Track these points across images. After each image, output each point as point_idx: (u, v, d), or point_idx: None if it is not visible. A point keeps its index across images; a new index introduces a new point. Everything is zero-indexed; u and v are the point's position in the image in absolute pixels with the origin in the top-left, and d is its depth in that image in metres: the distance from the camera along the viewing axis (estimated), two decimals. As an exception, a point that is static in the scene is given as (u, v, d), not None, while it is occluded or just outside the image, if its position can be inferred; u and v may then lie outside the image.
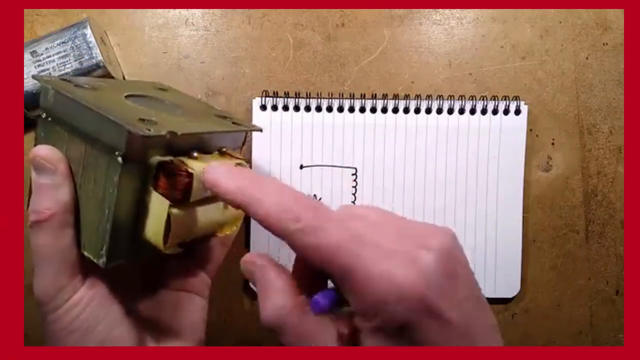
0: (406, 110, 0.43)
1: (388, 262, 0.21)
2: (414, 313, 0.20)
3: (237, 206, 0.25)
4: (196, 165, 0.26)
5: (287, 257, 0.44)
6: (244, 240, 0.43)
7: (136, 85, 0.35)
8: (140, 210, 0.26)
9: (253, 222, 0.43)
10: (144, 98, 0.32)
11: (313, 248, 0.22)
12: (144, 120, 0.25)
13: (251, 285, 0.25)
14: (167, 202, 0.26)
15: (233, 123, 0.34)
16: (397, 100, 0.43)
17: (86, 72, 0.39)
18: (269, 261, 0.26)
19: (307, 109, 0.43)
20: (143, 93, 0.33)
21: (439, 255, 0.21)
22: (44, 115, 0.27)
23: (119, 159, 0.24)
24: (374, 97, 0.43)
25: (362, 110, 0.43)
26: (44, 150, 0.26)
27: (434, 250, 0.22)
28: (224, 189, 0.25)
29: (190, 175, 0.26)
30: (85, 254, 0.26)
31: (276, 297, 0.24)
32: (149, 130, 0.24)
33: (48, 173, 0.25)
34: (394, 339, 0.21)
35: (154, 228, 0.26)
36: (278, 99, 0.43)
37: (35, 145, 0.27)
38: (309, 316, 0.24)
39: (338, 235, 0.22)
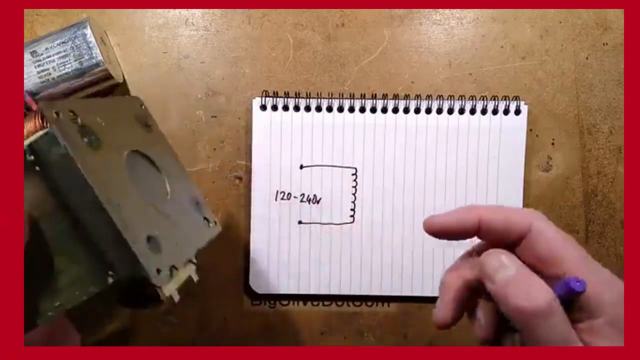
0: (406, 110, 0.43)
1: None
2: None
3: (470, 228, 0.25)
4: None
5: (287, 251, 0.44)
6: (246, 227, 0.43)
7: (118, 111, 0.32)
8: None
9: (253, 208, 0.43)
10: (143, 164, 0.30)
11: (546, 243, 0.24)
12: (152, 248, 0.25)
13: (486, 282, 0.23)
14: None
15: (204, 218, 0.33)
16: (397, 100, 0.43)
17: (86, 72, 0.39)
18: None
19: (307, 109, 0.43)
20: (136, 145, 0.30)
21: None
22: (30, 158, 0.24)
23: (110, 279, 0.24)
24: (374, 97, 0.43)
25: (362, 110, 0.43)
26: None
27: None
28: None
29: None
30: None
31: (544, 285, 0.23)
32: (161, 292, 0.24)
33: None
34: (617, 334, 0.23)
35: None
36: (278, 99, 0.43)
37: None
38: (565, 316, 0.23)
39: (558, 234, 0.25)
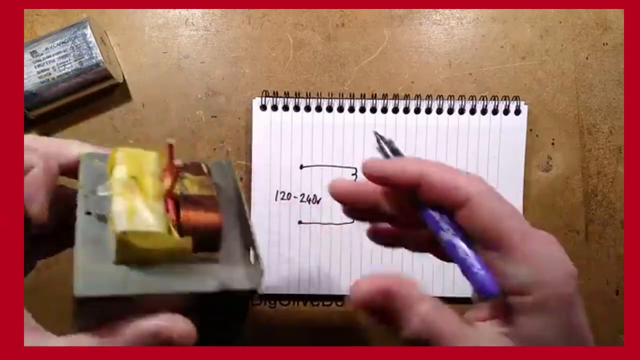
0: (406, 110, 0.43)
1: (548, 240, 0.23)
2: (575, 290, 0.22)
3: (409, 181, 0.24)
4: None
5: (287, 251, 0.44)
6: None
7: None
8: None
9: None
10: None
11: (486, 214, 0.22)
12: None
13: (371, 318, 0.23)
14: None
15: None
16: (397, 100, 0.43)
17: (86, 71, 0.39)
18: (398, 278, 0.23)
19: (307, 109, 0.43)
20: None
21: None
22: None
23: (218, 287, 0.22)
24: (374, 97, 0.43)
25: (362, 110, 0.43)
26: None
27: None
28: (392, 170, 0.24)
29: None
30: None
31: (424, 304, 0.22)
32: None
33: None
34: (555, 314, 0.22)
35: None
36: (278, 99, 0.43)
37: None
38: (455, 324, 0.22)
39: (502, 206, 0.23)
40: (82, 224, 0.24)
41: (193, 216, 0.24)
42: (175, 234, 0.23)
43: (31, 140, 0.27)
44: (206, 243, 0.24)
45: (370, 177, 0.25)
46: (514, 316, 0.22)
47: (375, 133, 0.27)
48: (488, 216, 0.22)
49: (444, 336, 0.21)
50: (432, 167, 0.23)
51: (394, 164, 0.24)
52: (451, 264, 0.24)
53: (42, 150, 0.26)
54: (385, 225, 0.29)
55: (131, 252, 0.22)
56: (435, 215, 0.24)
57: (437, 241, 0.24)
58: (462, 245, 0.23)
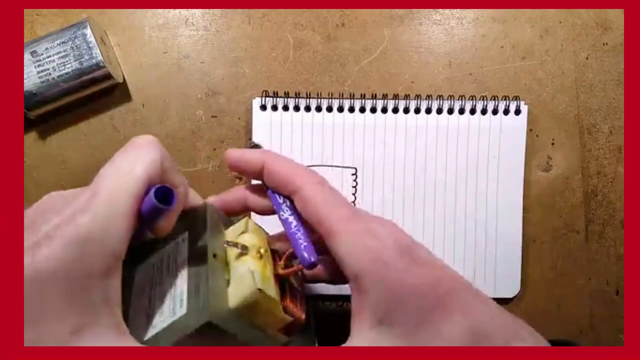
0: (406, 110, 0.43)
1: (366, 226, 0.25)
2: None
3: (254, 169, 0.27)
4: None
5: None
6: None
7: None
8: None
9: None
10: None
11: (311, 203, 0.25)
12: None
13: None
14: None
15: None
16: (397, 100, 0.43)
17: (86, 71, 0.39)
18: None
19: (307, 109, 0.43)
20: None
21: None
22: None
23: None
24: (374, 97, 0.43)
25: (362, 110, 0.43)
26: None
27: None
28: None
29: None
30: None
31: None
32: None
33: None
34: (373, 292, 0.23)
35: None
36: (278, 99, 0.43)
37: None
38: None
39: (326, 197, 0.26)
40: (211, 263, 0.25)
41: (291, 305, 0.26)
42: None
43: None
44: (288, 331, 0.26)
45: (229, 162, 0.28)
46: (357, 296, 0.24)
47: (249, 139, 0.32)
48: (312, 205, 0.25)
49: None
50: (271, 158, 0.27)
51: (245, 152, 0.28)
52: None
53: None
54: None
55: (253, 309, 0.24)
56: (279, 198, 0.27)
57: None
58: (294, 222, 0.26)
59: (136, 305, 0.25)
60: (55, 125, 0.43)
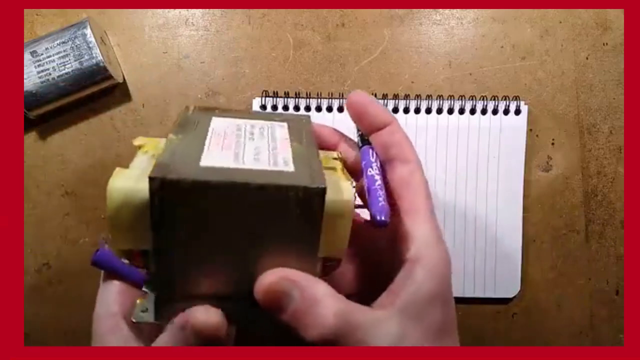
0: (406, 110, 0.43)
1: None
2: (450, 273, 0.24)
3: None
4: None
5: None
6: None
7: None
8: None
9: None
10: None
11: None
12: None
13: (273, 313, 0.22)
14: None
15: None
16: (397, 100, 0.43)
17: (86, 72, 0.39)
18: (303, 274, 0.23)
19: (307, 109, 0.43)
20: None
21: None
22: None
23: None
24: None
25: (362, 110, 0.43)
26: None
27: None
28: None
29: None
30: None
31: (332, 302, 0.22)
32: None
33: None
34: (435, 284, 0.23)
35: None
36: (278, 99, 0.43)
37: None
38: (368, 312, 0.22)
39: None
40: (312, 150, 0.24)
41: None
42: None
43: None
44: (326, 269, 0.24)
45: (354, 104, 0.27)
46: (404, 289, 0.23)
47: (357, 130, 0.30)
48: (412, 180, 0.25)
49: (359, 326, 0.21)
50: (397, 123, 0.28)
51: (373, 101, 0.27)
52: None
53: None
54: None
55: (339, 219, 0.22)
56: (372, 155, 0.27)
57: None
58: (378, 181, 0.25)
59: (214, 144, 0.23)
60: (55, 125, 0.43)
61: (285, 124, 0.26)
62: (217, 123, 0.25)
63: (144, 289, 0.24)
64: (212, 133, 0.24)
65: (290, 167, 0.21)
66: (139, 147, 0.25)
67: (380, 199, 0.24)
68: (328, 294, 0.22)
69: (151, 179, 0.19)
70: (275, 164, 0.21)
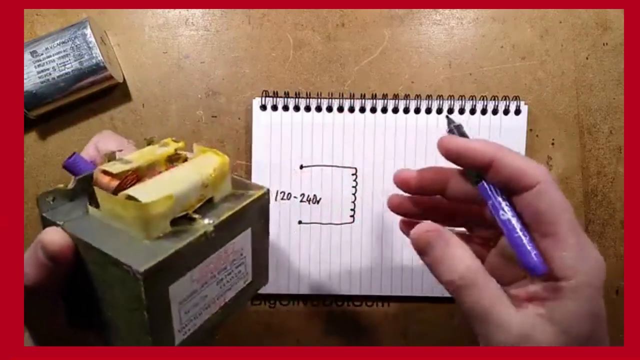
0: (406, 110, 0.43)
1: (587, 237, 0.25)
2: (603, 283, 0.24)
3: (483, 161, 0.26)
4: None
5: (287, 250, 0.44)
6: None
7: None
8: None
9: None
10: None
11: (548, 201, 0.24)
12: None
13: (420, 257, 0.26)
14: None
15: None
16: (397, 100, 0.43)
17: (86, 72, 0.39)
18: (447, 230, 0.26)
19: (307, 109, 0.43)
20: None
21: None
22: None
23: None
24: (374, 97, 0.43)
25: (362, 110, 0.43)
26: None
27: None
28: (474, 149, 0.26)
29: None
30: None
31: (466, 256, 0.25)
32: None
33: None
34: (587, 300, 0.24)
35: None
36: (278, 99, 0.43)
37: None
38: (492, 282, 0.24)
39: (561, 198, 0.25)
40: None
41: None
42: None
43: None
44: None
45: (447, 151, 0.27)
46: (550, 300, 0.24)
47: (447, 117, 0.30)
48: (548, 204, 0.24)
49: (483, 295, 0.24)
50: (506, 150, 0.26)
51: (471, 142, 0.27)
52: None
53: None
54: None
55: None
56: (497, 196, 0.26)
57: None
58: (518, 225, 0.25)
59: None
60: (55, 125, 0.43)
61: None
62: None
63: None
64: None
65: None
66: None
67: (529, 247, 0.24)
68: (465, 248, 0.25)
69: None
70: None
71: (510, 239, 0.25)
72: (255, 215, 0.29)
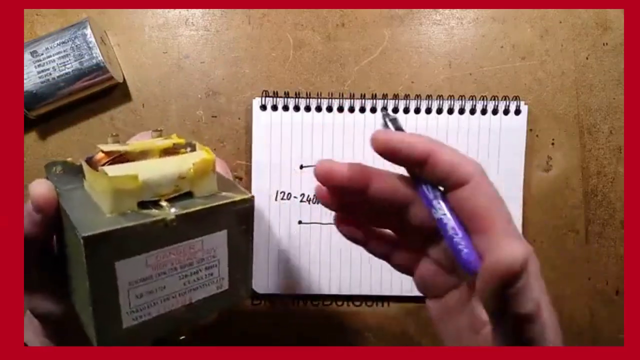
0: (406, 110, 0.43)
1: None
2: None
3: (417, 157, 0.24)
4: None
5: (287, 250, 0.44)
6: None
7: None
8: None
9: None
10: None
11: (482, 196, 0.24)
12: None
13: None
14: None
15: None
16: (397, 100, 0.43)
17: (86, 72, 0.39)
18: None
19: (307, 109, 0.43)
20: None
21: None
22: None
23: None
24: (374, 97, 0.43)
25: (362, 110, 0.43)
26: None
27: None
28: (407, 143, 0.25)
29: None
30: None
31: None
32: None
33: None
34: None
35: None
36: (278, 99, 0.43)
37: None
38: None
39: (495, 192, 0.24)
40: None
41: None
42: None
43: None
44: None
45: (380, 147, 0.25)
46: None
47: (382, 109, 0.28)
48: (483, 198, 0.23)
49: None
50: (440, 144, 0.24)
51: (405, 137, 0.25)
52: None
53: None
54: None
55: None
56: (430, 192, 0.25)
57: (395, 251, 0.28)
58: (452, 223, 0.24)
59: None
60: (55, 125, 0.43)
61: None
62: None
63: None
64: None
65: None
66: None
67: (461, 246, 0.24)
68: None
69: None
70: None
71: (444, 238, 0.24)
72: (233, 219, 0.28)
